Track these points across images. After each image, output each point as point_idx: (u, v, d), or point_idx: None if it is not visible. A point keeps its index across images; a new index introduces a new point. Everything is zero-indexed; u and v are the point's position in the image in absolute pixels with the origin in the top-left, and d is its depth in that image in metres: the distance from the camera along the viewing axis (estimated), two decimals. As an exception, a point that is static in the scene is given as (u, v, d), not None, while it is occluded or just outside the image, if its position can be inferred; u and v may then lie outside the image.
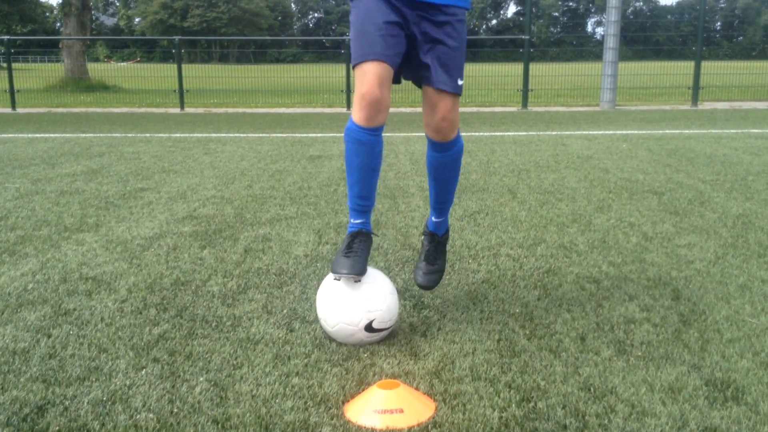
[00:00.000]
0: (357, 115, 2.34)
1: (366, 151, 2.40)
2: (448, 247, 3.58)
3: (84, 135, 9.24)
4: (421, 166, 6.31)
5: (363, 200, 2.50)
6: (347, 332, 2.37)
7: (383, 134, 2.46)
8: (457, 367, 2.22)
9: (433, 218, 2.83)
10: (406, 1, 2.38)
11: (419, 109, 9.81)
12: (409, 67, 2.52)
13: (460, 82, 2.50)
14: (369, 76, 2.30)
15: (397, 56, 2.38)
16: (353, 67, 2.40)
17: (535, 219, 4.24)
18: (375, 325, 2.36)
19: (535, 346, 2.39)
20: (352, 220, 2.55)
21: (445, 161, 2.63)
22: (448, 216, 2.88)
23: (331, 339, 2.45)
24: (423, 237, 2.89)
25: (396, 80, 2.50)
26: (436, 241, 2.82)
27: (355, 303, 2.37)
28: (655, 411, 1.95)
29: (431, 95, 2.48)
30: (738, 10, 74.13)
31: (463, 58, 2.52)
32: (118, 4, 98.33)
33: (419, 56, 2.46)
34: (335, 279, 2.43)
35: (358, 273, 2.38)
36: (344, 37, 15.23)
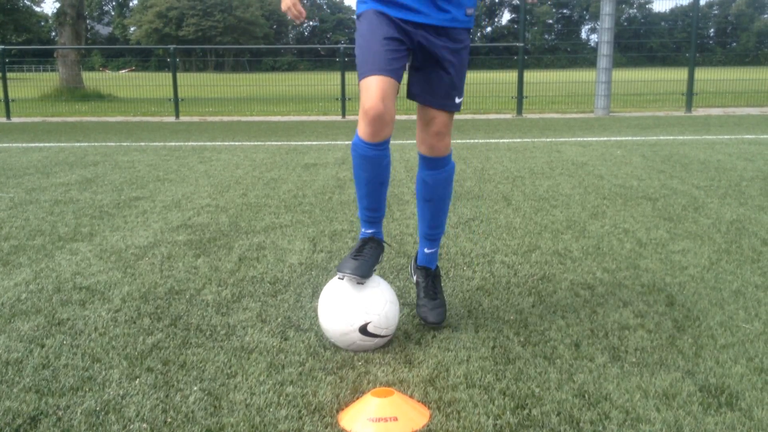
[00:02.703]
0: (362, 130, 2.35)
1: (373, 165, 2.40)
2: (442, 253, 3.59)
3: (79, 144, 9.23)
4: (416, 173, 6.31)
5: (372, 212, 2.53)
6: (342, 330, 2.38)
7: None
8: (452, 375, 2.22)
9: (425, 249, 2.74)
10: (409, 20, 2.41)
11: (414, 117, 9.81)
12: (410, 82, 2.54)
13: (458, 100, 2.52)
14: (372, 90, 2.30)
15: (401, 70, 2.40)
16: (358, 83, 2.41)
17: (529, 226, 4.25)
18: (370, 329, 2.36)
19: (529, 353, 2.39)
20: (363, 230, 2.57)
21: (438, 178, 2.59)
22: (439, 247, 2.79)
23: (325, 345, 2.45)
24: (414, 276, 2.82)
25: None
26: (432, 275, 2.75)
27: (355, 301, 2.38)
28: (650, 417, 1.95)
29: (428, 111, 2.50)
30: (731, 16, 74.50)
31: (464, 76, 2.54)
32: (113, 13, 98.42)
33: (421, 73, 2.49)
34: (339, 278, 2.45)
35: (361, 275, 2.39)
36: (339, 45, 15.25)
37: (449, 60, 2.46)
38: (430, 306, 2.64)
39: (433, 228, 2.70)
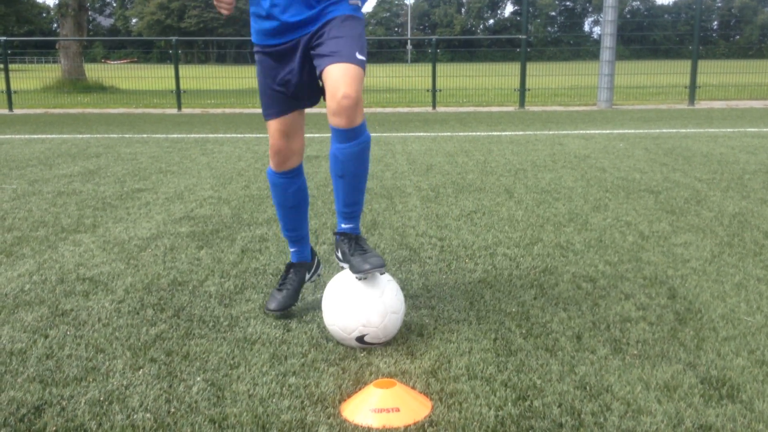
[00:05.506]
0: (270, 161, 2.66)
1: (280, 192, 2.70)
2: (444, 245, 3.59)
3: (81, 136, 9.24)
4: (418, 165, 6.32)
5: (289, 232, 2.78)
6: (339, 336, 2.38)
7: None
8: (454, 366, 2.23)
9: (342, 224, 2.49)
10: (297, 41, 2.47)
11: (416, 109, 9.80)
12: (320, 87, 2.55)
13: (359, 56, 2.35)
14: (272, 130, 2.60)
15: (296, 101, 2.58)
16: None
17: (531, 218, 4.25)
18: (367, 339, 2.35)
19: (531, 345, 2.40)
20: (288, 248, 2.85)
21: (351, 152, 2.33)
22: (359, 224, 2.54)
23: (328, 337, 2.46)
24: (338, 251, 2.52)
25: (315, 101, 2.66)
26: (355, 238, 2.48)
27: (354, 312, 2.34)
28: (651, 409, 1.96)
29: (331, 72, 2.32)
30: (735, 9, 74.23)
31: (360, 40, 2.41)
32: (114, 4, 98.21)
33: (315, 57, 2.44)
34: (266, 313, 2.69)
35: (283, 308, 2.67)
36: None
37: (332, 31, 2.39)
38: (364, 257, 2.37)
39: (348, 206, 2.45)
